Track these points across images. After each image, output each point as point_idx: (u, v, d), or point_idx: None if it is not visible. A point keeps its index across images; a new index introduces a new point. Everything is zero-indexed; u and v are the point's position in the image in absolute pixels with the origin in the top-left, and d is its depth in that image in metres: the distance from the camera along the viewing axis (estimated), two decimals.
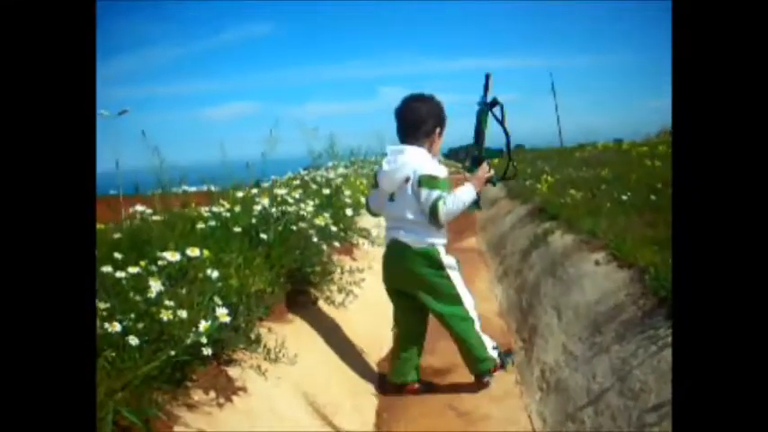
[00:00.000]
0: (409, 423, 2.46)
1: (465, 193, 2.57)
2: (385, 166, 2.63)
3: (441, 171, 2.58)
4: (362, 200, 5.29)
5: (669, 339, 2.09)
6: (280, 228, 3.23)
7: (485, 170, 2.70)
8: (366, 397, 2.63)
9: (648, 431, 1.81)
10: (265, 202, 3.31)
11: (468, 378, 2.80)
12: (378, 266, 4.20)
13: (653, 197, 4.40)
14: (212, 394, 1.96)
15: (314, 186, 5.35)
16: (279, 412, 2.10)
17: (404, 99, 2.73)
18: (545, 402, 2.46)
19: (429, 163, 2.58)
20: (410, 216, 2.57)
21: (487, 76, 2.78)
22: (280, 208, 3.43)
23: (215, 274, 2.27)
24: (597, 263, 3.24)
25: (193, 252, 2.33)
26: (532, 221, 5.25)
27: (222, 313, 1.93)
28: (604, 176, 6.27)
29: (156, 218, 2.98)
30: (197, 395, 1.91)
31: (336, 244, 3.79)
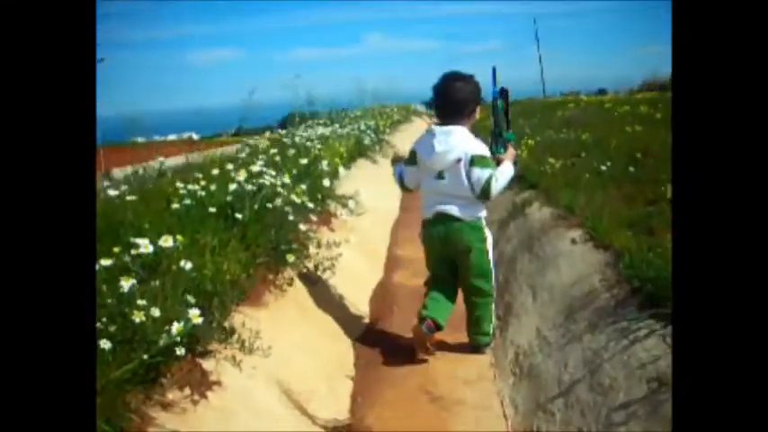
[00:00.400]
0: (384, 407, 2.50)
1: (508, 171, 2.86)
2: (437, 147, 2.78)
3: (486, 150, 2.84)
4: (341, 169, 5.25)
5: (640, 333, 2.13)
6: (255, 206, 3.19)
7: (513, 152, 2.99)
8: (341, 380, 2.65)
9: (615, 430, 1.85)
10: (241, 178, 3.25)
11: (444, 360, 2.86)
12: (355, 239, 4.20)
13: (631, 168, 4.41)
14: (187, 391, 1.96)
15: (292, 151, 5.28)
16: (254, 405, 2.12)
17: (445, 78, 2.91)
18: (517, 388, 2.51)
19: (477, 143, 2.82)
20: (462, 193, 2.79)
21: (494, 69, 3.06)
22: (255, 181, 3.38)
23: (188, 265, 2.24)
24: (573, 241, 3.26)
25: (167, 242, 2.29)
26: (510, 188, 5.25)
27: (194, 314, 1.91)
28: (585, 141, 6.27)
29: (130, 197, 2.92)
30: (171, 393, 1.91)
31: (313, 218, 3.77)
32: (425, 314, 2.80)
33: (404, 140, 12.32)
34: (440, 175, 2.81)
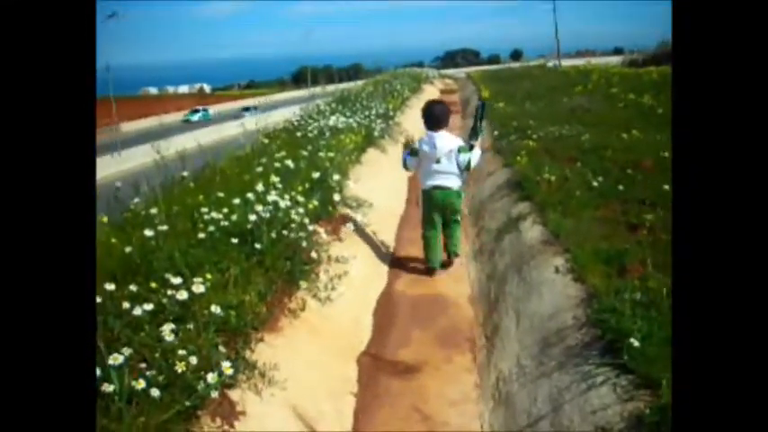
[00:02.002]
0: (381, 424, 2.93)
1: (477, 153, 4.68)
2: (438, 144, 4.51)
3: (464, 143, 4.60)
4: (350, 172, 5.60)
5: (597, 380, 2.53)
6: (273, 233, 3.58)
7: (479, 141, 4.75)
8: (346, 399, 3.08)
9: None
10: (259, 208, 3.63)
11: (435, 378, 3.29)
12: (361, 248, 4.58)
13: (621, 187, 4.74)
14: (218, 421, 2.39)
15: (304, 153, 5.62)
16: (272, 429, 2.54)
17: (430, 104, 4.79)
18: (496, 413, 2.93)
19: (459, 140, 4.65)
20: (453, 170, 4.58)
21: (483, 102, 5.11)
22: (270, 210, 3.76)
23: (218, 309, 2.65)
24: (557, 270, 3.63)
25: (198, 288, 2.69)
26: (509, 195, 5.60)
27: (226, 366, 2.32)
28: (583, 144, 6.58)
29: (162, 227, 3.30)
30: (206, 425, 2.34)
31: (323, 236, 4.16)
32: (432, 264, 4.75)
33: (412, 118, 12.57)
34: (438, 161, 4.53)
